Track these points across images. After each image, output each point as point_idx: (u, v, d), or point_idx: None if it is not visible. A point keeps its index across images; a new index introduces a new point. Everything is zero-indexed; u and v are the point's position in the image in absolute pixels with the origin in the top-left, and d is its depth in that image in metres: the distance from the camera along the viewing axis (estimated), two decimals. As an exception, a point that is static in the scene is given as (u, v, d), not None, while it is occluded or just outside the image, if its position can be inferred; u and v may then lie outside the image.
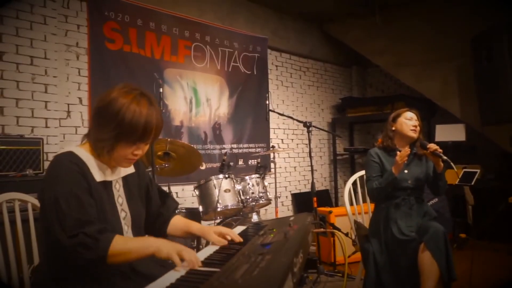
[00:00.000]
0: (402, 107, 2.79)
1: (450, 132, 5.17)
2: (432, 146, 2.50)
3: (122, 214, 1.49)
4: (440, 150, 2.50)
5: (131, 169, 1.57)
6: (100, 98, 1.40)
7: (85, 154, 1.41)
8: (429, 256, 2.25)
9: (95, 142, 1.39)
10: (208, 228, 1.69)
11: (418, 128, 2.63)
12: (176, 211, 1.80)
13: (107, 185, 1.46)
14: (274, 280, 0.93)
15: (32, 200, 1.81)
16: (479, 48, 4.64)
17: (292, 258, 1.13)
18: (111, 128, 1.34)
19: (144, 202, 1.63)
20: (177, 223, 1.72)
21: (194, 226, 1.70)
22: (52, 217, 1.27)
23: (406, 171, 2.60)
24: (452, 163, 2.48)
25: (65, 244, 1.23)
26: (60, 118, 3.65)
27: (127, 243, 1.30)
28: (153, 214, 1.68)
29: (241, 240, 1.62)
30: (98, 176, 1.41)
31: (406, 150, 2.50)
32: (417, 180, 2.58)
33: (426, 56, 5.39)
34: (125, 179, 1.55)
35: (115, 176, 1.50)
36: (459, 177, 4.55)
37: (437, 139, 5.22)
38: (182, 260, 1.26)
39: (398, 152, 2.56)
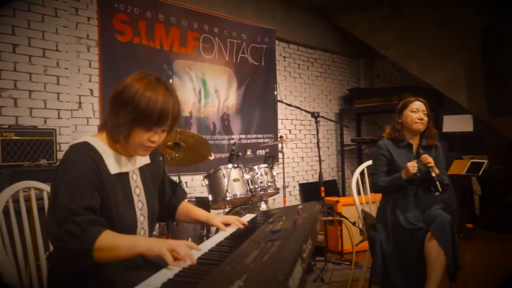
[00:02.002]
0: (409, 98, 2.74)
1: (458, 123, 5.14)
2: (425, 159, 2.48)
3: (139, 205, 1.48)
4: (431, 165, 2.46)
5: (146, 160, 1.56)
6: (115, 88, 1.39)
7: (101, 145, 1.40)
8: (435, 245, 2.25)
9: (112, 128, 1.37)
10: (213, 215, 1.75)
11: (425, 119, 2.58)
12: (186, 200, 1.83)
13: (123, 176, 1.44)
14: (285, 265, 0.95)
15: (47, 188, 1.84)
16: (488, 39, 4.60)
17: (302, 244, 1.15)
18: (127, 112, 1.32)
19: (157, 194, 1.64)
20: (185, 209, 1.76)
21: (200, 213, 1.75)
22: (50, 206, 1.27)
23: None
24: (438, 183, 2.42)
25: (53, 232, 1.20)
26: (72, 109, 3.68)
27: (115, 239, 1.22)
28: (165, 205, 1.71)
29: (246, 223, 1.69)
30: (113, 168, 1.40)
31: (413, 164, 2.47)
32: (425, 172, 2.55)
33: (434, 47, 5.34)
34: (142, 169, 1.54)
35: (131, 166, 1.48)
36: (467, 167, 4.54)
37: (445, 129, 5.19)
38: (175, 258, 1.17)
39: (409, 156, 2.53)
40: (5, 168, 2.80)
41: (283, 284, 0.83)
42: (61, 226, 1.18)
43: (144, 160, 1.56)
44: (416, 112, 2.58)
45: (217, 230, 1.70)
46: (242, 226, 1.68)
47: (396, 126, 2.66)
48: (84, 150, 1.35)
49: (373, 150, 2.72)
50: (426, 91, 5.65)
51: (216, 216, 1.73)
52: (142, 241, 1.23)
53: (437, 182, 2.43)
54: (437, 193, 2.45)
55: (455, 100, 5.27)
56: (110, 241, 1.21)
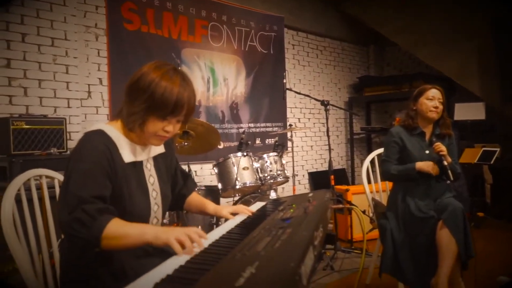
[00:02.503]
0: (420, 86, 2.69)
1: (470, 111, 5.07)
2: (438, 147, 2.45)
3: (153, 194, 1.48)
4: (443, 153, 2.44)
5: (161, 149, 1.56)
6: (131, 77, 1.38)
7: (115, 133, 1.39)
8: (447, 233, 2.23)
9: (127, 116, 1.36)
10: (221, 206, 1.75)
11: (441, 107, 2.54)
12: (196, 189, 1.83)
13: (137, 165, 1.43)
14: (297, 252, 0.94)
15: (58, 176, 1.85)
16: (501, 25, 4.51)
17: (313, 231, 1.14)
18: (142, 101, 1.32)
19: (170, 183, 1.64)
20: (194, 200, 1.77)
21: (209, 205, 1.75)
22: (61, 193, 1.27)
23: (427, 152, 2.55)
24: (450, 172, 2.40)
25: (64, 220, 1.20)
26: (81, 99, 3.69)
27: (124, 228, 1.22)
28: (175, 195, 1.71)
29: (253, 211, 1.69)
30: (127, 157, 1.39)
31: (434, 169, 2.46)
32: (438, 161, 2.52)
33: (446, 34, 5.25)
34: (156, 159, 1.54)
35: (145, 155, 1.47)
36: (478, 156, 4.49)
37: (456, 117, 5.13)
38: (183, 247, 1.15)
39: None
40: (16, 157, 2.83)
41: (296, 271, 0.82)
42: (71, 214, 1.19)
43: (159, 149, 1.55)
44: (432, 100, 2.54)
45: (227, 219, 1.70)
46: (251, 214, 1.68)
47: (410, 113, 2.62)
48: (98, 138, 1.34)
49: (385, 137, 2.68)
50: (438, 79, 5.58)
51: (224, 208, 1.73)
52: (150, 230, 1.23)
53: (450, 171, 2.40)
54: (448, 182, 2.43)
55: (466, 88, 5.20)
56: (118, 229, 1.21)
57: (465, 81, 5.19)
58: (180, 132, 3.08)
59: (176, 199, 1.73)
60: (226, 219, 1.68)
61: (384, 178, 2.67)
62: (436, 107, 2.52)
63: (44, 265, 1.69)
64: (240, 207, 1.72)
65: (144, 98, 1.32)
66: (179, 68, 1.46)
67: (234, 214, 1.68)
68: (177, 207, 1.77)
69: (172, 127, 1.39)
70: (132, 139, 1.42)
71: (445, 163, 2.43)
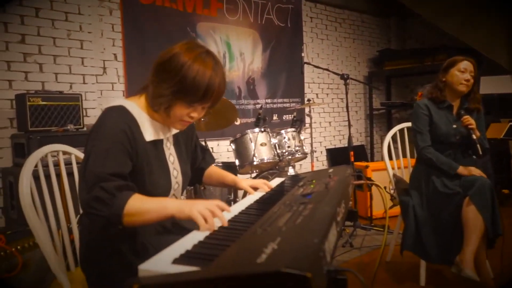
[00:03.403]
0: (444, 59, 2.59)
1: (496, 84, 4.91)
2: (466, 120, 2.37)
3: (174, 173, 1.46)
4: (472, 126, 2.36)
5: None
6: (161, 54, 1.33)
7: (137, 110, 1.36)
8: (474, 210, 2.18)
9: (153, 98, 1.32)
10: (240, 178, 1.74)
11: (472, 81, 2.43)
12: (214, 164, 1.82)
13: (157, 144, 1.41)
14: (320, 228, 0.91)
15: (75, 152, 1.85)
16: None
17: (335, 207, 1.10)
18: (172, 84, 1.28)
19: (190, 160, 1.62)
20: (213, 173, 1.76)
21: (228, 176, 1.74)
22: (81, 171, 1.25)
23: (454, 126, 2.47)
24: (479, 147, 2.32)
25: (83, 198, 1.20)
26: (96, 75, 3.68)
27: (144, 203, 1.21)
28: (195, 169, 1.71)
29: (273, 187, 1.68)
30: (148, 135, 1.36)
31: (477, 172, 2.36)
32: (465, 137, 2.44)
33: (472, 3, 5.04)
34: (176, 137, 1.52)
35: (166, 134, 1.45)
36: (505, 131, 4.36)
37: (482, 91, 4.96)
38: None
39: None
40: (33, 133, 2.85)
41: (320, 247, 0.79)
42: (90, 193, 1.17)
43: None
44: (464, 72, 2.43)
45: (245, 195, 1.68)
46: (268, 189, 1.66)
47: (439, 85, 2.52)
48: (119, 115, 1.31)
49: (413, 110, 2.58)
50: (463, 52, 5.35)
51: (243, 180, 1.72)
52: (171, 203, 1.21)
53: (478, 145, 2.33)
54: (475, 157, 2.35)
55: (493, 60, 5.01)
56: (139, 205, 1.19)
57: (492, 53, 5.00)
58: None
59: (196, 173, 1.72)
60: (244, 195, 1.66)
61: (417, 151, 2.57)
62: (467, 80, 2.42)
63: (64, 240, 1.71)
64: (259, 181, 1.70)
65: (174, 81, 1.28)
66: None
67: (253, 187, 1.67)
68: (196, 181, 1.77)
69: (197, 114, 1.36)
70: (153, 117, 1.40)
71: (474, 137, 2.35)
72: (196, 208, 1.16)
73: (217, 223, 1.14)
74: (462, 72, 2.43)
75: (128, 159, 1.28)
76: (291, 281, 0.65)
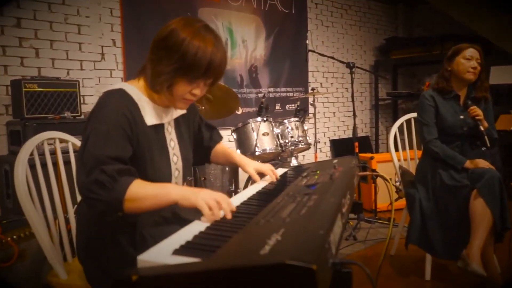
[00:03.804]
0: (452, 47, 2.54)
1: (506, 74, 4.87)
2: (473, 111, 2.35)
3: (174, 159, 1.45)
4: (480, 117, 2.34)
5: (182, 110, 1.51)
6: (159, 32, 1.32)
7: (137, 93, 1.34)
8: (482, 204, 2.17)
9: (154, 77, 1.30)
10: (249, 160, 1.72)
11: (479, 68, 2.41)
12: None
13: (158, 128, 1.40)
14: (325, 219, 0.90)
15: (72, 140, 1.84)
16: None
17: (341, 198, 1.10)
18: (172, 61, 1.26)
19: (192, 144, 1.61)
20: (220, 151, 1.76)
21: (236, 156, 1.74)
22: (79, 154, 1.23)
23: (462, 117, 2.45)
24: (486, 138, 2.30)
25: (82, 182, 1.17)
26: (94, 61, 3.66)
27: (147, 188, 1.19)
28: (202, 148, 1.71)
29: (278, 176, 1.67)
30: (149, 119, 1.35)
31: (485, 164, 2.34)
32: (472, 128, 2.42)
33: (483, -11, 4.98)
34: (177, 121, 1.50)
35: (167, 118, 1.43)
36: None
37: (492, 81, 4.93)
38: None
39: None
40: (30, 121, 2.84)
41: (325, 239, 0.78)
42: (90, 176, 1.15)
43: (180, 110, 1.51)
44: (470, 60, 2.40)
45: (247, 184, 1.67)
46: (274, 177, 1.65)
47: (445, 74, 2.50)
48: (119, 99, 1.30)
49: (419, 102, 2.56)
50: (472, 40, 5.29)
51: (250, 162, 1.69)
52: (175, 189, 1.20)
53: (486, 137, 2.31)
54: (484, 148, 2.34)
55: (504, 49, 4.96)
56: (141, 190, 1.17)
57: (503, 42, 4.95)
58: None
59: (203, 152, 1.72)
60: (246, 184, 1.65)
61: (422, 144, 2.55)
62: (474, 68, 2.40)
63: (61, 230, 1.71)
64: (266, 165, 1.69)
65: (175, 59, 1.26)
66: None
67: (259, 172, 1.66)
68: (204, 160, 1.77)
69: (199, 91, 1.34)
70: (154, 100, 1.38)
71: (481, 128, 2.33)
72: (202, 196, 1.14)
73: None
74: (468, 59, 2.41)
75: (128, 143, 1.26)
76: (295, 274, 0.64)
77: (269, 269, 0.66)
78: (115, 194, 1.14)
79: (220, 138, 1.79)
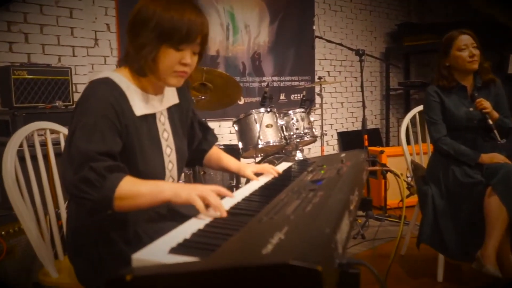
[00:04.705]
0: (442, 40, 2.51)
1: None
2: (480, 104, 2.33)
3: (167, 151, 1.44)
4: (487, 110, 2.32)
5: (175, 99, 1.51)
6: (129, 13, 1.34)
7: (124, 81, 1.33)
8: (497, 201, 2.16)
9: (136, 53, 1.30)
10: (245, 164, 1.72)
11: (477, 53, 2.37)
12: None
13: (149, 118, 1.38)
14: (331, 217, 0.90)
15: (63, 130, 1.84)
16: None
17: (349, 195, 1.10)
18: (149, 29, 1.27)
19: (186, 137, 1.60)
20: (215, 156, 1.74)
21: (231, 162, 1.73)
22: (65, 150, 1.23)
23: (471, 109, 2.44)
24: (496, 132, 2.29)
25: (69, 180, 1.17)
26: (87, 47, 3.66)
27: (138, 185, 1.19)
28: (194, 149, 1.68)
29: (281, 173, 1.66)
30: (138, 109, 1.34)
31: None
32: (484, 120, 2.39)
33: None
34: (170, 110, 1.49)
35: (159, 107, 1.43)
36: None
37: (511, 71, 4.91)
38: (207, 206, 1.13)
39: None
40: (19, 110, 2.83)
41: (331, 238, 0.78)
42: (77, 173, 1.15)
43: (173, 99, 1.50)
44: (465, 48, 2.38)
45: (248, 180, 1.67)
46: (276, 173, 1.64)
47: (443, 72, 2.47)
48: (106, 88, 1.29)
49: (424, 98, 2.55)
50: (489, 26, 5.30)
51: (248, 166, 1.69)
52: (167, 187, 1.21)
53: (495, 131, 2.30)
54: (503, 141, 2.32)
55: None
56: (132, 188, 1.18)
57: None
58: (197, 84, 3.05)
59: (195, 154, 1.70)
60: (248, 181, 1.65)
61: (432, 143, 2.55)
62: (472, 56, 2.37)
63: (51, 226, 1.71)
64: (266, 166, 1.68)
65: (151, 26, 1.27)
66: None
67: (258, 174, 1.65)
68: (196, 163, 1.76)
69: (189, 59, 1.32)
70: (143, 87, 1.37)
71: (490, 122, 2.32)
72: (195, 191, 1.15)
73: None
74: (463, 49, 2.38)
75: (117, 136, 1.26)
76: (299, 275, 0.64)
77: (272, 270, 0.65)
78: (105, 192, 1.14)
79: (215, 139, 1.77)
